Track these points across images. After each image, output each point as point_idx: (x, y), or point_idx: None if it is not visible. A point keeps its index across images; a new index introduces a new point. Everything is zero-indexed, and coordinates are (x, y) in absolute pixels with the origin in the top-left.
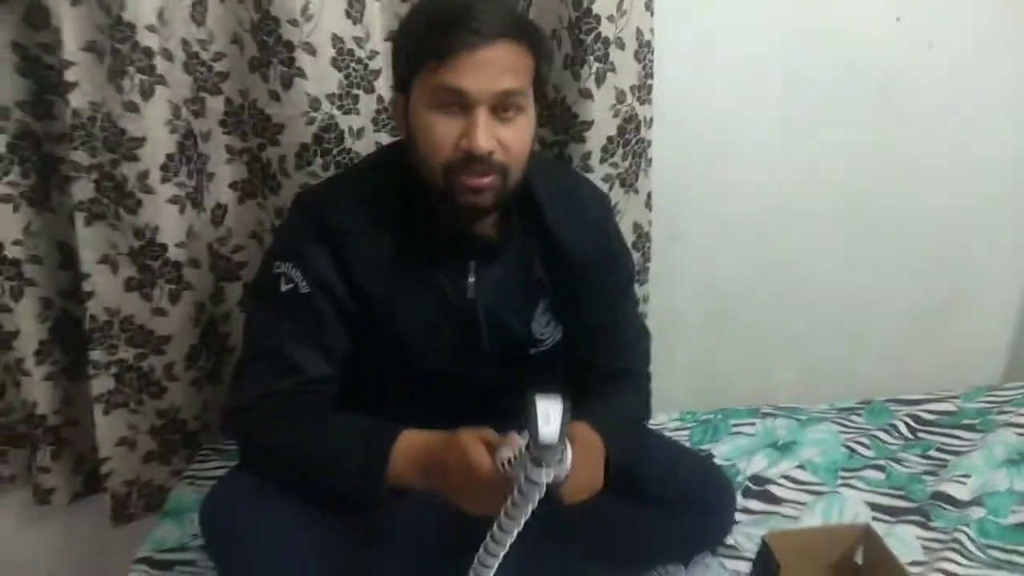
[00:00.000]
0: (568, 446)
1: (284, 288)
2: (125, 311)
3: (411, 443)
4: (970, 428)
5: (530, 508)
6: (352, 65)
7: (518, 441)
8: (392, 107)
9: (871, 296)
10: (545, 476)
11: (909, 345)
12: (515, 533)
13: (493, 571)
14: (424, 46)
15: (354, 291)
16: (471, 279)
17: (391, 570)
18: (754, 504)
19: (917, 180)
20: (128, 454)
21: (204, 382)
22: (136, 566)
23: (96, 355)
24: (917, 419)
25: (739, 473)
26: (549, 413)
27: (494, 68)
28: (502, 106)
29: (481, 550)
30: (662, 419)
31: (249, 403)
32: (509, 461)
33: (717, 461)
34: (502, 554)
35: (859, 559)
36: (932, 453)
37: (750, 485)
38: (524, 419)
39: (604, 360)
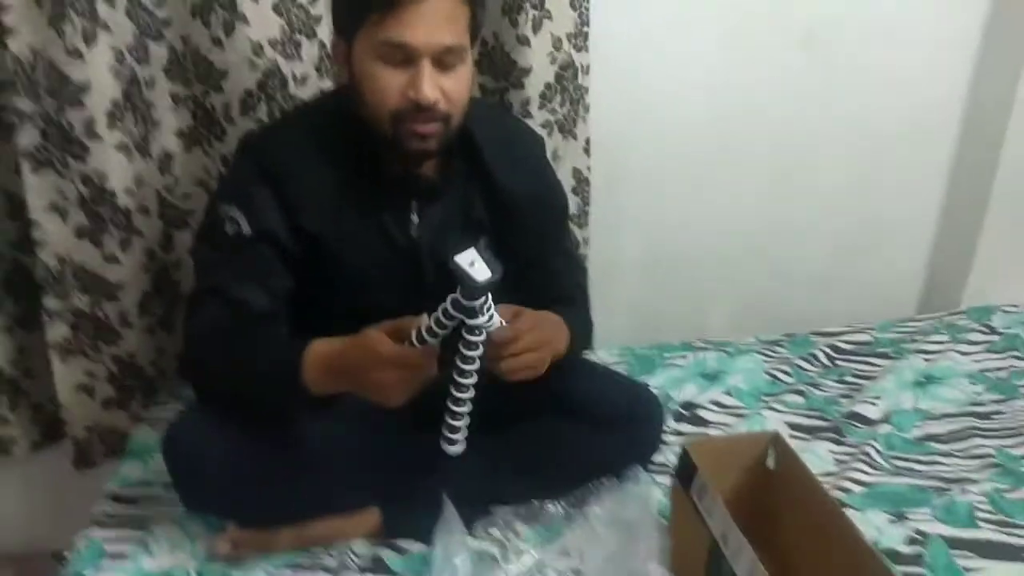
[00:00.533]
0: (490, 299)
1: (228, 230)
2: (77, 259)
3: (320, 350)
4: (884, 356)
5: (477, 362)
6: (294, 11)
7: (424, 319)
8: (333, 51)
9: (798, 229)
10: (483, 318)
11: (832, 277)
12: (470, 392)
13: (461, 436)
14: (367, 1)
15: (298, 233)
16: (414, 218)
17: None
18: (684, 427)
19: (839, 114)
20: (87, 400)
21: (158, 328)
22: (103, 500)
23: (50, 303)
24: (836, 348)
25: (671, 400)
26: (472, 259)
27: (436, 20)
28: (445, 58)
29: (446, 419)
30: (602, 355)
31: (195, 336)
32: (426, 331)
33: (651, 390)
34: (466, 413)
35: (771, 463)
36: (848, 379)
37: (681, 411)
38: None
39: (546, 292)
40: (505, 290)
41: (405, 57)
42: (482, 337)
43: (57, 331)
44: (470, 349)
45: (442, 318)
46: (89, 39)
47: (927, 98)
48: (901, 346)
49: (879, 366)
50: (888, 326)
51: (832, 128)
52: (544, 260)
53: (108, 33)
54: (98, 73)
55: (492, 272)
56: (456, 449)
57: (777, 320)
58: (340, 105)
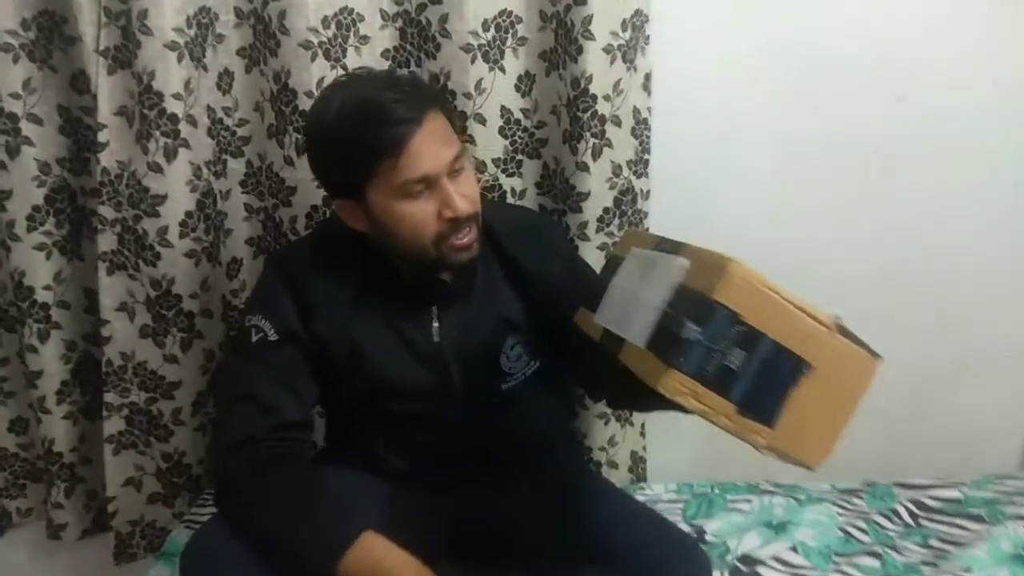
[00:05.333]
0: None
1: (255, 338)
2: (139, 356)
3: (368, 548)
4: (976, 519)
5: None
6: None
7: None
8: (342, 214)
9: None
10: None
11: (918, 417)
12: None
13: None
14: (367, 154)
15: (313, 338)
16: (435, 324)
17: None
18: None
19: (919, 235)
20: (134, 494)
21: (209, 427)
22: None
23: (110, 397)
24: (920, 505)
25: (728, 551)
26: None
27: (436, 141)
28: (454, 167)
29: None
30: (658, 489)
31: (228, 447)
32: None
33: (708, 537)
34: None
35: None
36: (933, 543)
37: (739, 566)
38: None
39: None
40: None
41: (427, 186)
42: None
43: (113, 425)
44: None
45: None
46: (170, 155)
47: (1018, 211)
48: (996, 508)
49: (970, 531)
50: (984, 483)
51: (913, 251)
52: None
53: (188, 150)
54: (175, 186)
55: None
56: None
57: (854, 464)
58: (348, 230)
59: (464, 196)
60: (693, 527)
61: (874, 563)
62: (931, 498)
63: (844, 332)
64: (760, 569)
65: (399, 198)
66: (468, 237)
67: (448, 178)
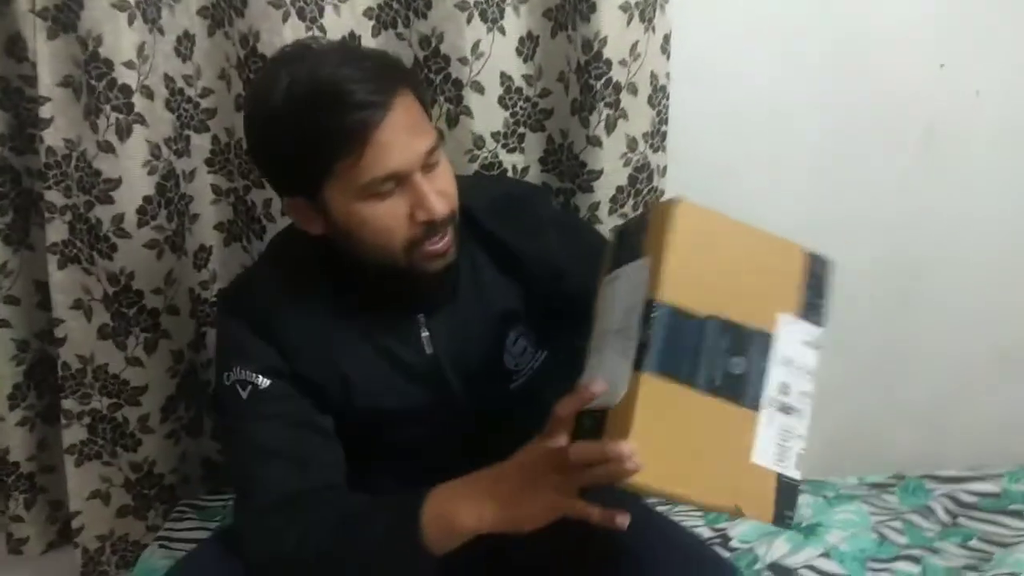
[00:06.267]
0: None
1: (245, 394)
2: (99, 359)
3: (441, 494)
4: (1017, 514)
5: None
6: None
7: None
8: (292, 213)
9: (910, 352)
10: None
11: (950, 409)
12: None
13: None
14: (323, 148)
15: (304, 380)
16: (424, 333)
17: None
18: None
19: (962, 223)
20: (101, 508)
21: (182, 434)
22: None
23: (68, 404)
24: (957, 501)
25: (757, 560)
26: None
27: (406, 130)
28: (428, 161)
29: None
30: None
31: (262, 512)
32: None
33: (733, 544)
34: None
35: None
36: (973, 544)
37: None
38: None
39: None
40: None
41: (397, 183)
42: None
43: (74, 434)
44: None
45: None
46: (123, 133)
47: None
48: None
49: (1012, 528)
50: (1020, 475)
51: (954, 239)
52: None
53: (144, 126)
54: (130, 168)
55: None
56: None
57: (879, 457)
58: (306, 246)
59: (441, 194)
60: (716, 532)
61: (913, 568)
62: (967, 492)
63: None
64: None
65: (363, 199)
66: (443, 242)
67: (422, 173)
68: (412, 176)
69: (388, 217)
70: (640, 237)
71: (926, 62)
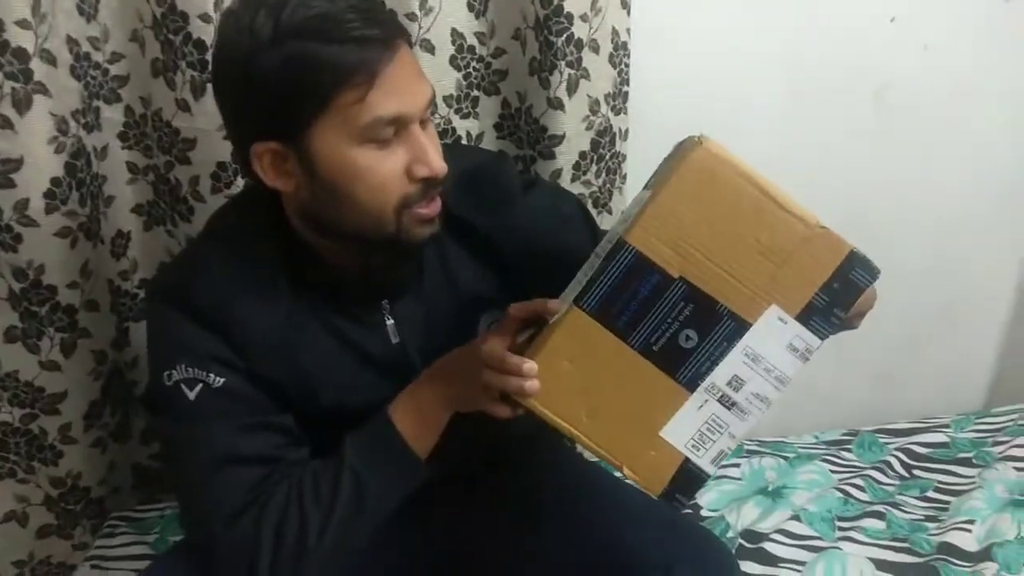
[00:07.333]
0: None
1: (193, 394)
2: (8, 366)
3: (400, 398)
4: (966, 463)
5: None
6: None
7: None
8: (259, 164)
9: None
10: None
11: (896, 364)
12: None
13: None
14: (326, 76)
15: (262, 380)
16: (389, 321)
17: None
18: (751, 567)
19: (911, 183)
20: (17, 530)
21: (109, 441)
22: None
23: None
24: (910, 454)
25: (729, 528)
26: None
27: (413, 74)
28: (424, 115)
29: None
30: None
31: (228, 522)
32: None
33: (705, 512)
34: None
35: None
36: (931, 495)
37: (743, 543)
38: None
39: None
40: None
41: (396, 131)
42: None
43: None
44: None
45: None
46: (22, 105)
47: (1005, 166)
48: (983, 450)
49: (963, 476)
50: (964, 423)
51: (903, 199)
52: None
53: (47, 97)
54: (33, 146)
55: None
56: None
57: (832, 414)
58: (259, 217)
59: (439, 151)
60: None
61: (879, 524)
62: (919, 444)
63: None
64: (766, 545)
65: (360, 142)
66: (434, 206)
67: (420, 127)
68: (412, 127)
69: (385, 169)
70: (666, 164)
71: (877, 14)
